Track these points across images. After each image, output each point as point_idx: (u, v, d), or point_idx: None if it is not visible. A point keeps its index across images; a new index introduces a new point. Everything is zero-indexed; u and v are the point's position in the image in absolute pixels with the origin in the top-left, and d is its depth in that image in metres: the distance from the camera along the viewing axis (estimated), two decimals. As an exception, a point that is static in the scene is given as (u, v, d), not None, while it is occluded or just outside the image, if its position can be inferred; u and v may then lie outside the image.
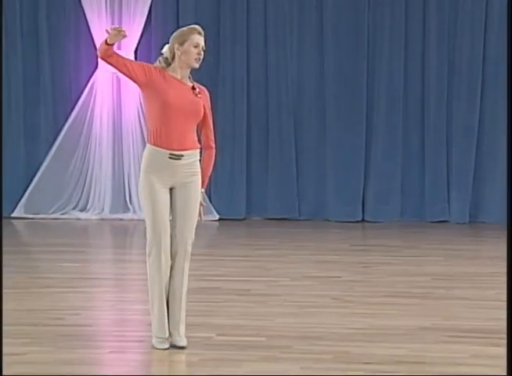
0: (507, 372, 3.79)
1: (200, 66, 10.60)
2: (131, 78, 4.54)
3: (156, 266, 4.55)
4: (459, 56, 9.64)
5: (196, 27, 4.66)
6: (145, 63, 4.62)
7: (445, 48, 9.65)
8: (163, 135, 4.54)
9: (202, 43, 4.61)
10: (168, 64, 4.64)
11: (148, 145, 4.60)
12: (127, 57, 4.67)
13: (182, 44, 4.58)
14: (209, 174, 4.75)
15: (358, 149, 9.79)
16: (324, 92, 9.80)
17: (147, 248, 4.58)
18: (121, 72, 4.54)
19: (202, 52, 4.61)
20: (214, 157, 4.75)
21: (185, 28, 4.65)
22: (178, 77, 4.63)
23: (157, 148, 4.55)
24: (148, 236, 4.58)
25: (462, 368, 4.35)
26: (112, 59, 4.47)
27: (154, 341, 4.65)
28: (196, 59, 4.60)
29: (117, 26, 4.51)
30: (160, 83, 4.54)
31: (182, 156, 4.56)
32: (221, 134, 9.95)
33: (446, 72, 9.68)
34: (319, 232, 9.15)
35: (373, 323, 5.21)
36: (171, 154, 4.54)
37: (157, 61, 4.66)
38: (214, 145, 4.74)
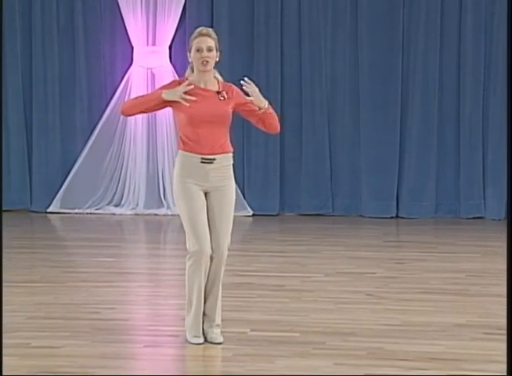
0: (507, 372, 3.71)
1: (235, 62, 10.53)
2: (163, 108, 4.63)
3: (196, 270, 4.56)
4: (496, 51, 9.53)
5: (201, 29, 4.65)
6: (166, 85, 4.66)
7: (481, 43, 9.54)
8: (193, 142, 4.58)
9: (206, 45, 4.57)
10: None
11: (180, 151, 4.64)
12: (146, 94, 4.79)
13: (190, 51, 4.64)
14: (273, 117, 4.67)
15: (392, 145, 9.72)
16: (358, 87, 9.75)
17: (188, 252, 4.58)
18: (154, 111, 4.70)
19: (207, 54, 4.56)
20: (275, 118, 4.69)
21: (194, 33, 4.65)
22: (202, 84, 4.63)
23: (189, 153, 4.59)
24: (187, 240, 4.58)
25: (498, 366, 4.31)
26: (139, 112, 4.64)
27: (189, 336, 4.67)
28: (202, 63, 4.58)
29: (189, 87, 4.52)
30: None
31: (214, 159, 4.59)
32: (254, 129, 9.98)
33: (482, 67, 9.57)
34: (353, 228, 9.11)
35: (407, 320, 5.18)
36: (203, 158, 4.58)
37: (187, 72, 4.69)
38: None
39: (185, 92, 4.54)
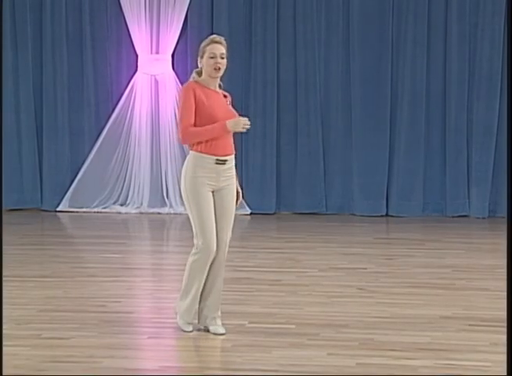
0: (507, 372, 3.70)
1: (234, 69, 10.51)
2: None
3: (202, 265, 4.57)
4: (479, 59, 9.54)
5: (213, 36, 4.62)
6: (189, 97, 4.50)
7: (465, 52, 9.55)
8: (209, 143, 4.53)
9: (219, 51, 4.54)
10: (201, 75, 4.64)
11: (193, 152, 4.56)
12: (191, 119, 4.51)
13: (202, 56, 4.59)
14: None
15: (382, 147, 9.73)
16: (350, 93, 9.76)
17: (195, 248, 4.58)
18: None
19: (220, 60, 4.54)
20: None
21: (206, 40, 4.62)
22: (212, 88, 4.62)
23: (204, 154, 4.54)
24: (195, 236, 4.57)
25: (482, 355, 4.32)
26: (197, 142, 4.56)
27: (180, 322, 4.69)
28: (214, 69, 4.54)
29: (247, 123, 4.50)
30: (203, 100, 4.52)
31: (227, 160, 4.58)
32: (252, 133, 9.97)
33: (467, 74, 9.58)
34: (345, 226, 9.11)
35: (396, 313, 5.19)
36: (217, 160, 4.55)
37: (192, 76, 4.64)
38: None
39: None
